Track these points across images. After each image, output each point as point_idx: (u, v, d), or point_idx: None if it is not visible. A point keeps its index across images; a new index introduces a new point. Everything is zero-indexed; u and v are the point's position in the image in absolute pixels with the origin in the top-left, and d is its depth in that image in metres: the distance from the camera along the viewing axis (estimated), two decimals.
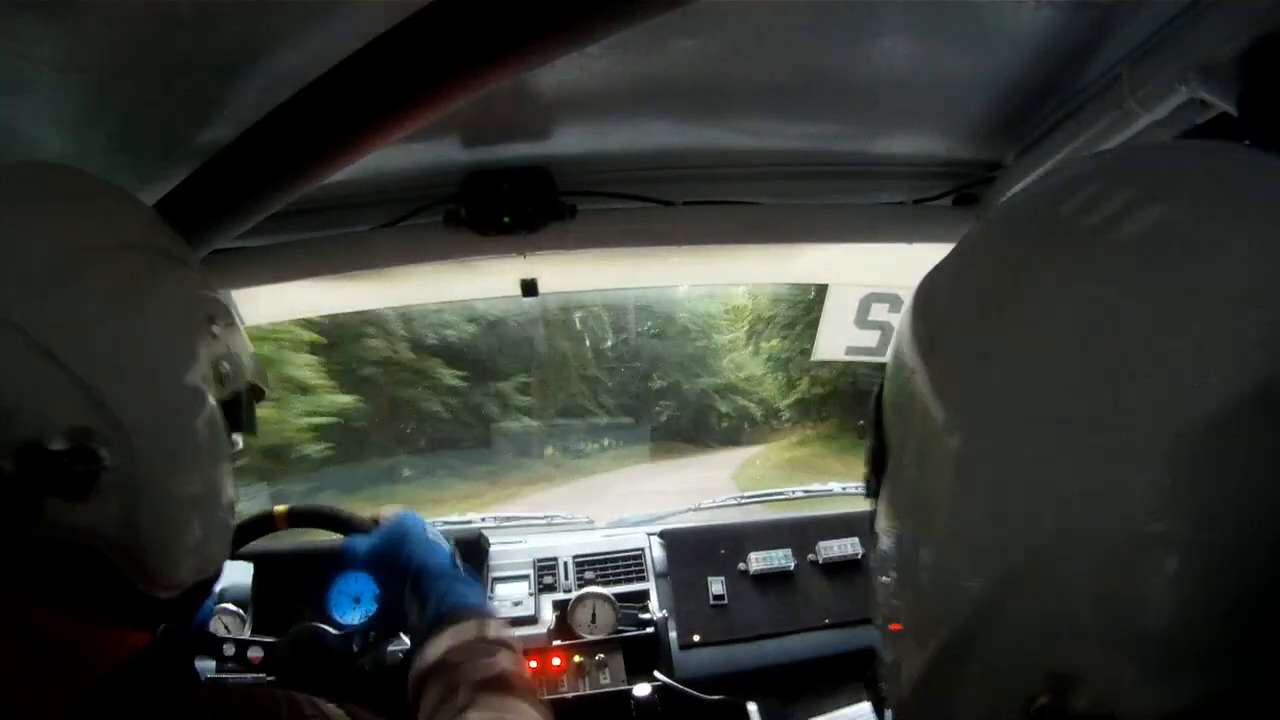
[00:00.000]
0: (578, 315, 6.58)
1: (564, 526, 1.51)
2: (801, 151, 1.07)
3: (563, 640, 1.18)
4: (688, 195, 1.09)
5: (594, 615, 1.19)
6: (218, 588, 1.03)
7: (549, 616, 1.21)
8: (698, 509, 1.55)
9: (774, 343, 7.45)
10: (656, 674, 1.07)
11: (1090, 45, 0.82)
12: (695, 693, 1.05)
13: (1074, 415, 0.35)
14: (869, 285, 1.32)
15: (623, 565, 1.31)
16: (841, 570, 1.30)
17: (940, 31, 0.80)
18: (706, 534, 1.38)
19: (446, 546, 0.86)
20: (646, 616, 1.20)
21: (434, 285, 1.28)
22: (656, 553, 1.34)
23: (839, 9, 0.76)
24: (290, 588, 1.17)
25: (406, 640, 0.88)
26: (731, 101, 0.93)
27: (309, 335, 4.86)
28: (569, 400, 6.97)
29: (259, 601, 1.18)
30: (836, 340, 1.38)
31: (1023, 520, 0.36)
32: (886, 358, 0.50)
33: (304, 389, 4.90)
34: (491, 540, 1.33)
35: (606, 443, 7.00)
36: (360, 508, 0.99)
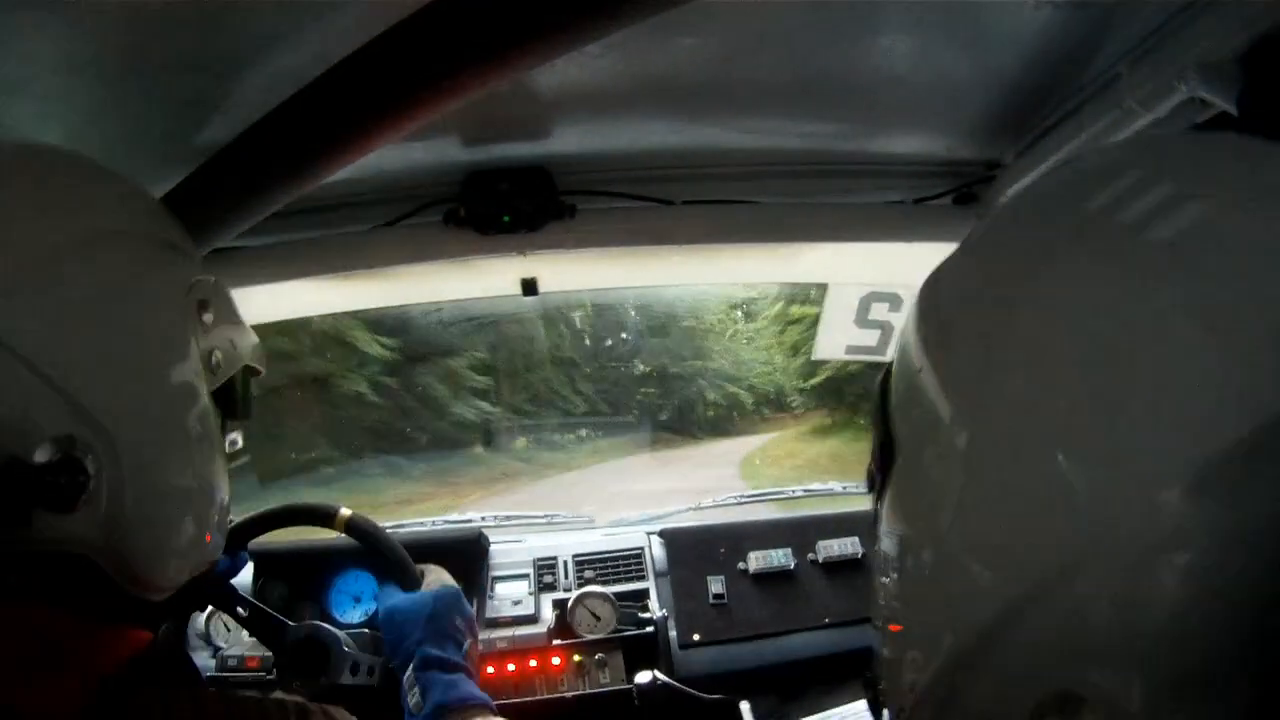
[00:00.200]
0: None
1: (564, 526, 1.51)
2: (801, 150, 1.07)
3: (563, 639, 1.17)
4: (688, 195, 1.09)
5: (594, 614, 1.19)
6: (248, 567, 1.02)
7: (549, 616, 1.21)
8: (697, 508, 1.56)
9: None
10: (656, 673, 1.07)
11: (1089, 45, 0.82)
12: (691, 690, 1.05)
13: (1103, 429, 0.33)
14: (869, 284, 1.31)
15: (622, 564, 1.31)
16: (841, 570, 1.30)
17: (940, 31, 0.80)
18: (706, 533, 1.38)
19: (467, 639, 0.87)
20: (646, 616, 1.20)
21: (434, 285, 1.27)
22: (656, 552, 1.34)
23: (839, 9, 0.76)
24: (291, 586, 1.18)
25: None
26: (731, 101, 0.93)
27: None
28: (541, 385, 5.35)
29: (259, 599, 1.17)
30: (837, 339, 1.38)
31: (1040, 536, 0.34)
32: (888, 355, 0.49)
33: None
34: (491, 539, 1.33)
35: (584, 434, 5.67)
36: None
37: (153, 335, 0.53)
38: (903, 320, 0.54)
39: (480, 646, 0.98)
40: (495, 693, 0.88)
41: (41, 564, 0.47)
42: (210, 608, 1.07)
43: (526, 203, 1.04)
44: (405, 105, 0.69)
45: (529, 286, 1.23)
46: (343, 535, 0.99)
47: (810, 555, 1.32)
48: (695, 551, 1.34)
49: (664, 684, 1.05)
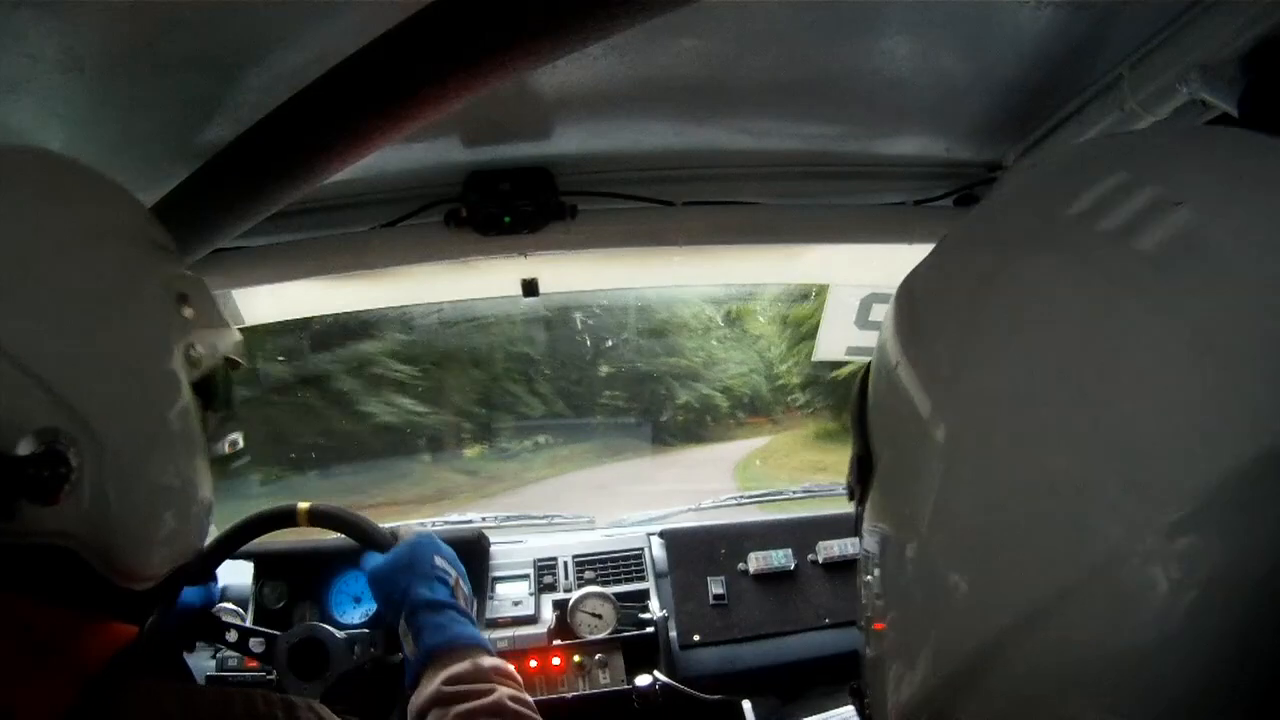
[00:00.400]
0: None
1: (564, 526, 1.51)
2: (802, 152, 1.07)
3: (563, 640, 1.17)
4: (688, 195, 1.09)
5: (594, 615, 1.19)
6: (220, 584, 1.02)
7: (549, 616, 1.21)
8: (698, 508, 1.55)
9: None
10: (655, 673, 1.07)
11: (1091, 46, 0.82)
12: (692, 691, 1.05)
13: (1095, 460, 0.31)
14: (870, 286, 1.32)
15: (623, 565, 1.31)
16: (841, 570, 1.30)
17: (941, 32, 0.80)
18: (706, 534, 1.38)
19: (450, 575, 0.85)
20: (646, 616, 1.20)
21: (434, 285, 1.27)
22: (656, 552, 1.34)
23: (839, 9, 0.76)
24: (290, 587, 1.18)
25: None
26: (732, 101, 0.93)
27: None
28: (489, 384, 4.02)
29: (259, 601, 1.17)
30: (837, 340, 1.38)
31: (1029, 569, 0.33)
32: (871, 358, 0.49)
33: None
34: (491, 540, 1.33)
35: (542, 440, 4.52)
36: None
37: (134, 330, 0.53)
38: None
39: None
40: None
41: (25, 557, 0.48)
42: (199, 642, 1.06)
43: (527, 203, 1.04)
44: (406, 106, 0.69)
45: (529, 287, 1.23)
46: (341, 536, 0.98)
47: (811, 556, 1.32)
48: (695, 552, 1.34)
49: (664, 685, 1.05)
